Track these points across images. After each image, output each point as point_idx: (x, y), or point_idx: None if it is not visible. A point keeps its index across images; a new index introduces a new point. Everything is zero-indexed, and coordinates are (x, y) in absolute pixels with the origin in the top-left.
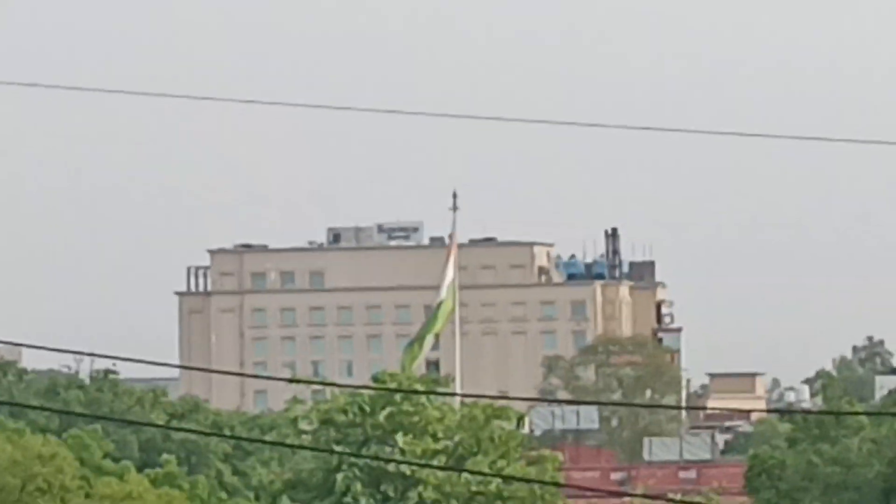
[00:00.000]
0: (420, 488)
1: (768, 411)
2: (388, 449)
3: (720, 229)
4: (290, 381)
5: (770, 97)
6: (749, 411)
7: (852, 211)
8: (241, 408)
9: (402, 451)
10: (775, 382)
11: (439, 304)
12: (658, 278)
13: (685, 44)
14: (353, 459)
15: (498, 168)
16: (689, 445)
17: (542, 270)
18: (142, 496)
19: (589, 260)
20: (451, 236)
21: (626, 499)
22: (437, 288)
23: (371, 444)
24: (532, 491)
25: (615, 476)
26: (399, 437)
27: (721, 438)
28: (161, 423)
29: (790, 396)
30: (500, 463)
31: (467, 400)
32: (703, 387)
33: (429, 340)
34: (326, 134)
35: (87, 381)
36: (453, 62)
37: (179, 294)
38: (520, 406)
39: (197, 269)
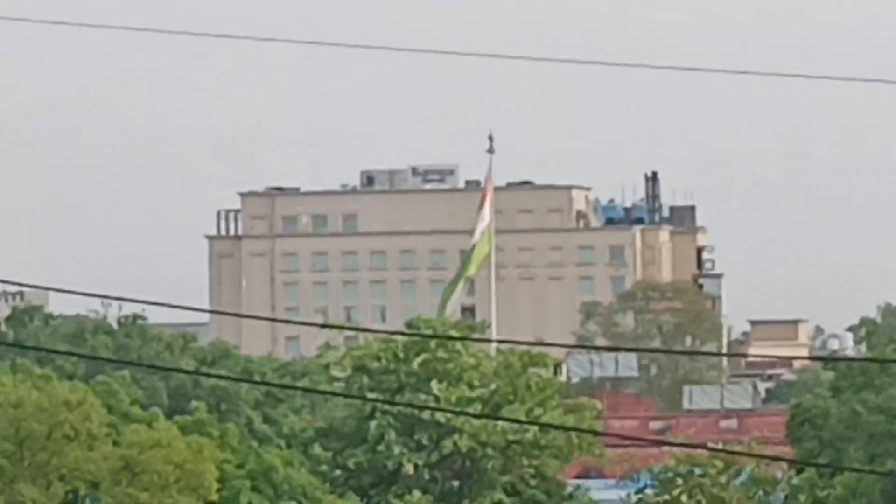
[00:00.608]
0: (455, 437)
1: (811, 359)
2: (422, 396)
3: (762, 174)
4: (323, 326)
5: (813, 39)
6: (791, 359)
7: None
8: (272, 354)
9: (437, 399)
10: (818, 330)
11: (472, 248)
12: (699, 223)
13: None
14: (386, 407)
15: (535, 110)
16: (730, 394)
17: (580, 215)
18: (170, 443)
19: (628, 204)
20: (486, 179)
21: (666, 448)
22: (472, 232)
23: (405, 392)
24: (569, 439)
25: (654, 425)
26: (434, 385)
27: (763, 387)
28: (190, 369)
29: (833, 344)
30: (537, 411)
31: (503, 347)
32: (745, 334)
33: (460, 286)
34: (360, 75)
35: (116, 326)
36: (489, 1)
37: (210, 238)
38: (557, 353)
39: (227, 212)
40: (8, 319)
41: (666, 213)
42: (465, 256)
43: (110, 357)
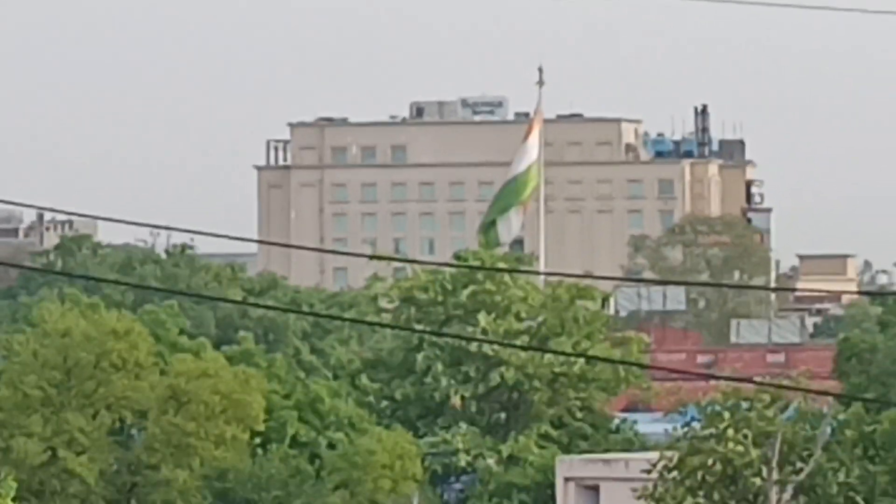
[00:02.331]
0: (502, 369)
1: (859, 293)
2: (469, 328)
3: (812, 107)
4: (371, 257)
5: None
6: (840, 293)
7: None
8: (320, 285)
9: (485, 331)
10: (867, 265)
11: (512, 180)
12: (748, 157)
13: None
14: (433, 339)
15: (585, 42)
16: (778, 328)
17: (629, 148)
18: (218, 373)
19: (678, 137)
20: (535, 112)
21: (713, 382)
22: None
23: (452, 324)
24: (616, 372)
25: (702, 359)
26: (481, 317)
27: (811, 321)
28: (238, 299)
29: (882, 279)
30: (585, 344)
31: (551, 279)
32: (793, 268)
33: (509, 216)
34: (410, 6)
35: (164, 255)
36: None
37: (258, 168)
38: (605, 286)
39: (277, 142)
40: (57, 248)
41: (715, 146)
42: (505, 187)
43: (158, 286)
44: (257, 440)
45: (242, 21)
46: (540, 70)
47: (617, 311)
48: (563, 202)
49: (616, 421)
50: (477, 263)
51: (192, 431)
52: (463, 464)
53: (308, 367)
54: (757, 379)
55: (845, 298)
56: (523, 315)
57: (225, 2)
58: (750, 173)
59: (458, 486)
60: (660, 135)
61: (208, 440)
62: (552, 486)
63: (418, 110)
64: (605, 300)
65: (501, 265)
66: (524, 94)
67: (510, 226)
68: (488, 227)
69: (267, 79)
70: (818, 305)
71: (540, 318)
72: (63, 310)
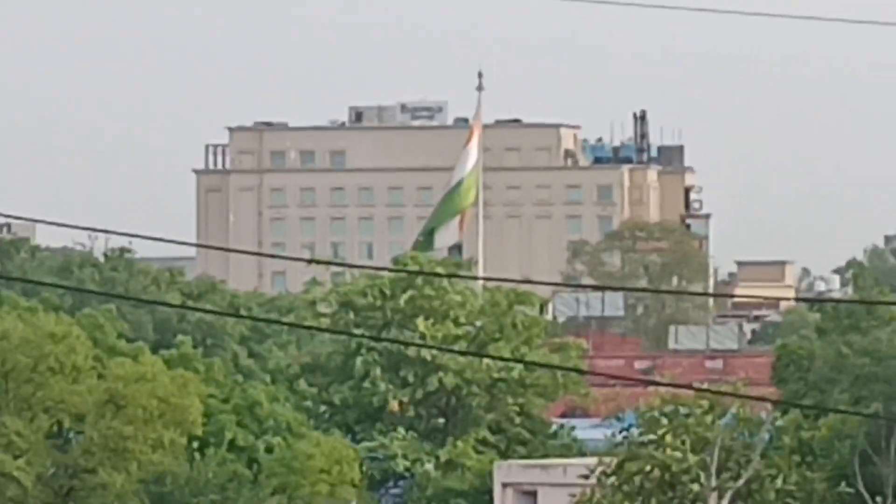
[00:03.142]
0: (440, 374)
1: (797, 300)
2: (408, 333)
3: (751, 114)
4: (309, 261)
5: None
6: (778, 299)
7: (888, 96)
8: (258, 289)
9: (423, 336)
10: (805, 271)
11: (457, 185)
12: (687, 163)
13: None
14: (372, 343)
15: (525, 48)
16: (716, 334)
17: (568, 153)
18: (156, 377)
19: (616, 143)
20: (475, 117)
21: (651, 388)
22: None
23: (391, 328)
24: (555, 378)
25: (640, 364)
26: (420, 322)
27: (748, 328)
28: (176, 303)
29: (820, 286)
30: (523, 349)
31: (490, 284)
32: (731, 275)
33: (449, 223)
34: (350, 9)
35: (102, 259)
36: None
37: (197, 172)
38: (543, 291)
39: (215, 146)
40: None
41: (654, 152)
42: (450, 192)
43: (96, 290)
44: (195, 444)
45: (181, 25)
46: (480, 75)
47: (555, 317)
48: (502, 207)
49: (554, 427)
50: (415, 268)
51: (130, 435)
52: (401, 469)
53: (246, 371)
54: (695, 385)
55: (783, 305)
56: (462, 320)
57: (165, 5)
58: (689, 179)
59: (395, 490)
60: (599, 140)
61: (146, 444)
62: (490, 491)
63: (357, 115)
64: (543, 306)
65: (440, 270)
66: (464, 100)
67: (449, 232)
68: (428, 233)
69: (205, 82)
70: (756, 312)
71: (478, 324)
72: (0, 313)
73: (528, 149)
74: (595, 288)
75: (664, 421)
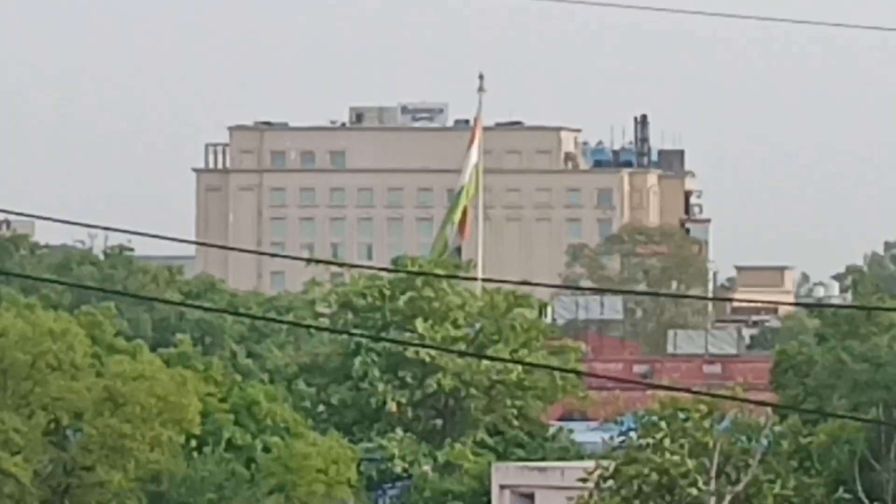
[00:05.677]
0: (439, 375)
1: (797, 305)
2: (407, 334)
3: (752, 119)
4: (309, 261)
5: None
6: (777, 304)
7: (888, 102)
8: (257, 289)
9: (422, 337)
10: (804, 277)
11: (461, 189)
12: (687, 167)
13: None
14: (371, 344)
15: (526, 50)
16: (715, 339)
17: (568, 156)
18: (154, 375)
19: (617, 147)
20: (476, 119)
21: (649, 391)
22: (460, 171)
23: (390, 329)
24: (553, 381)
25: (638, 368)
26: (419, 323)
27: (748, 333)
28: (176, 301)
29: (819, 291)
30: (522, 351)
31: (489, 286)
32: (731, 279)
33: (450, 230)
34: (352, 10)
35: (101, 256)
36: None
37: (197, 171)
38: (543, 294)
39: (216, 145)
40: None
41: (654, 156)
42: (455, 197)
43: (95, 287)
44: (193, 443)
45: (182, 24)
46: (481, 77)
47: (554, 320)
48: (502, 210)
49: (552, 429)
50: (415, 269)
51: (128, 433)
52: (398, 470)
53: (245, 370)
54: (694, 389)
55: (782, 310)
56: (461, 322)
57: (165, 4)
58: (689, 184)
59: (393, 492)
60: (599, 144)
61: (144, 442)
62: (488, 493)
63: (358, 116)
64: (542, 308)
65: (439, 272)
66: (464, 102)
67: (454, 234)
68: (443, 234)
69: (206, 82)
70: (755, 317)
71: (477, 326)
72: None
73: (528, 151)
74: (594, 291)
75: (662, 425)
